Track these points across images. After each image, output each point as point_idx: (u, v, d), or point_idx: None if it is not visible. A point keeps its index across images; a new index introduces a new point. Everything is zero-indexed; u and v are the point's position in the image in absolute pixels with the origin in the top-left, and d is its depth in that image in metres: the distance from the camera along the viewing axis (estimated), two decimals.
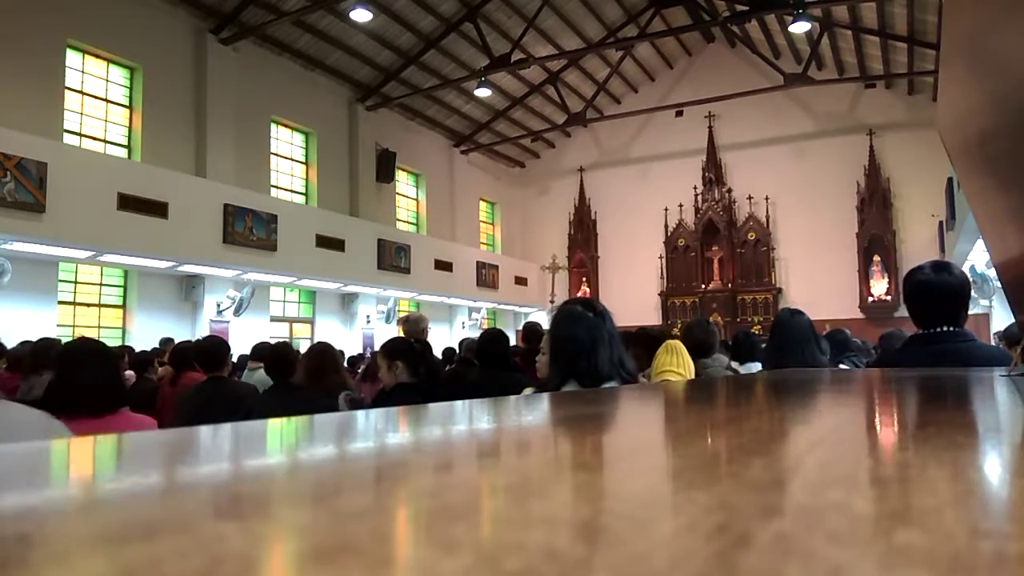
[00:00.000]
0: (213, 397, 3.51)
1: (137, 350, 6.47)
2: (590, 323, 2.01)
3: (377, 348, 4.57)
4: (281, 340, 7.47)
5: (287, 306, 12.72)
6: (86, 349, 2.13)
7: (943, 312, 2.01)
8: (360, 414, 0.93)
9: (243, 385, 4.02)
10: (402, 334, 4.74)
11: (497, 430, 0.69)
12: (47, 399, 2.04)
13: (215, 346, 3.81)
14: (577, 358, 2.00)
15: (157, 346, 7.47)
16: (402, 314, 14.52)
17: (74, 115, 9.59)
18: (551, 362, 2.11)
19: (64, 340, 5.65)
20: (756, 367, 3.95)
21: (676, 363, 2.90)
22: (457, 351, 5.61)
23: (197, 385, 3.76)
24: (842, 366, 3.60)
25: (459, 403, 0.97)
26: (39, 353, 4.12)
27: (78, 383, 1.98)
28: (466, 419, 0.80)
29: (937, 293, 2.02)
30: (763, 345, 4.13)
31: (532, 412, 0.85)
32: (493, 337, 3.76)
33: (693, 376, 2.96)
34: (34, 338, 5.06)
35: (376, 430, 0.70)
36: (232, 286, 10.80)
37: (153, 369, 5.31)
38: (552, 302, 15.67)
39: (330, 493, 0.34)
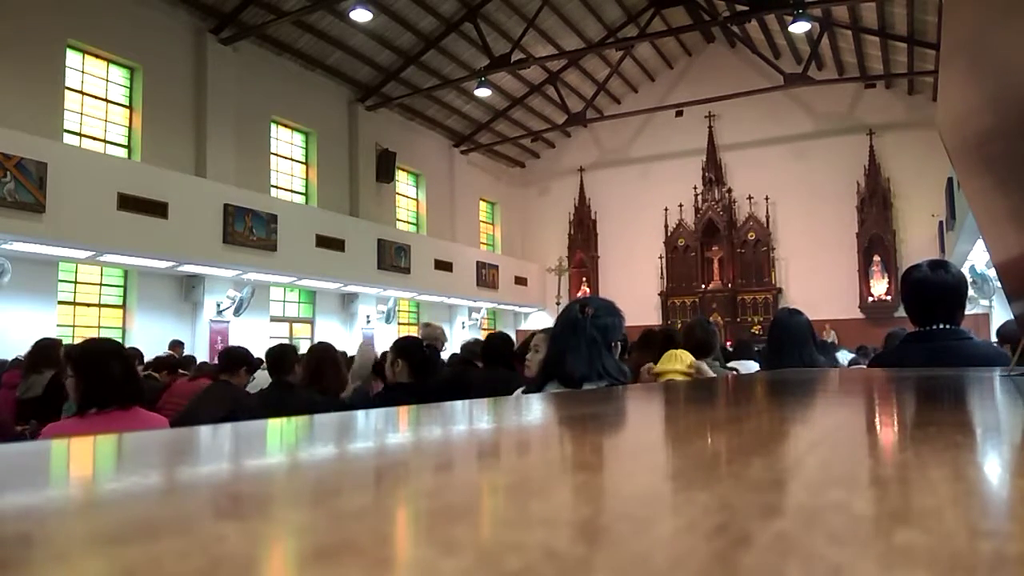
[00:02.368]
0: (220, 400, 3.60)
1: (137, 350, 6.47)
2: (572, 324, 1.96)
3: (378, 349, 4.61)
4: (283, 341, 7.48)
5: (287, 306, 12.72)
6: (110, 348, 2.31)
7: (940, 310, 2.01)
8: (360, 414, 0.93)
9: (239, 390, 4.08)
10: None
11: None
12: (80, 397, 2.15)
13: (237, 354, 4.03)
14: (553, 359, 1.98)
15: (168, 349, 7.49)
16: (402, 314, 14.56)
17: (74, 115, 9.60)
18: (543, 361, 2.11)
19: (64, 340, 5.68)
20: (753, 366, 3.97)
21: (678, 365, 2.92)
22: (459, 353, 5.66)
23: (207, 387, 3.91)
24: None
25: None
26: (39, 353, 4.20)
27: (108, 379, 2.15)
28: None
29: (934, 291, 2.03)
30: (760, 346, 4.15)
31: (521, 413, 0.85)
32: (500, 338, 3.89)
33: (701, 376, 2.96)
34: (35, 338, 5.09)
35: (371, 429, 0.70)
36: (232, 286, 10.80)
37: (174, 376, 5.36)
38: (558, 303, 15.68)
39: (330, 493, 0.34)
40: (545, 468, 0.43)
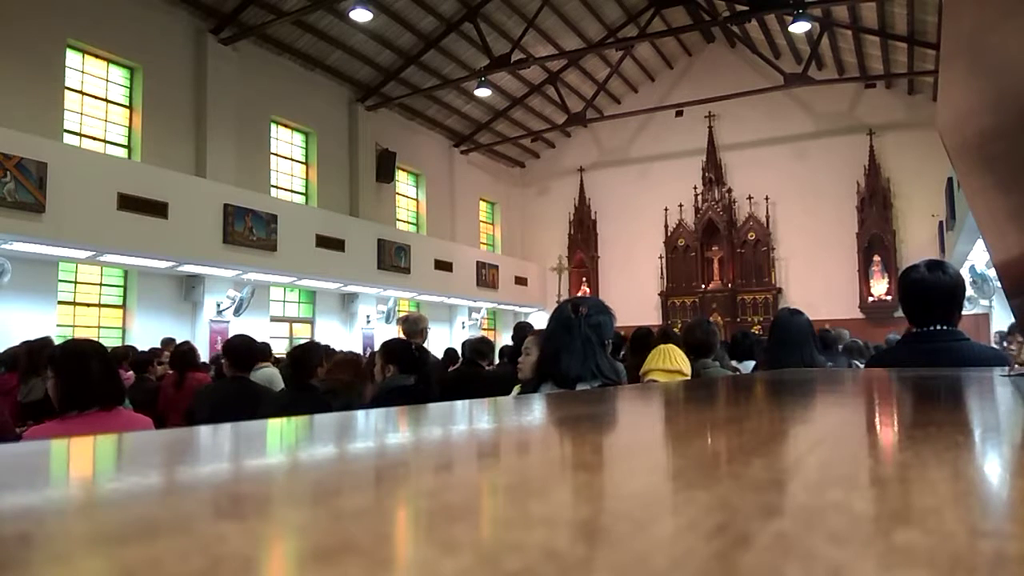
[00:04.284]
0: (233, 395, 3.49)
1: (137, 350, 6.46)
2: (565, 324, 1.97)
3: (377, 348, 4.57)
4: (308, 340, 7.38)
5: (287, 306, 12.72)
6: (89, 348, 2.22)
7: (937, 311, 2.02)
8: (360, 414, 0.93)
9: (261, 386, 3.98)
10: (400, 334, 4.73)
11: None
12: (60, 398, 2.09)
13: (245, 346, 3.77)
14: (547, 359, 1.99)
15: (159, 346, 7.47)
16: (402, 314, 14.52)
17: (74, 115, 9.59)
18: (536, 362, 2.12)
19: (61, 340, 5.63)
20: (751, 365, 3.97)
21: (665, 363, 2.91)
22: (461, 353, 5.55)
23: (218, 382, 3.74)
24: None
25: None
26: (36, 353, 4.07)
27: (89, 379, 2.09)
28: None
29: (931, 292, 2.03)
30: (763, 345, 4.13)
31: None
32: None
33: (688, 375, 2.96)
34: (33, 339, 5.02)
35: (369, 430, 0.70)
36: (232, 286, 10.80)
37: (152, 369, 5.31)
38: (558, 303, 15.66)
39: (330, 493, 0.34)
40: (544, 468, 0.43)
